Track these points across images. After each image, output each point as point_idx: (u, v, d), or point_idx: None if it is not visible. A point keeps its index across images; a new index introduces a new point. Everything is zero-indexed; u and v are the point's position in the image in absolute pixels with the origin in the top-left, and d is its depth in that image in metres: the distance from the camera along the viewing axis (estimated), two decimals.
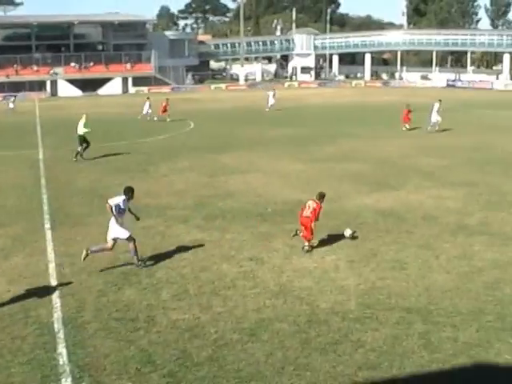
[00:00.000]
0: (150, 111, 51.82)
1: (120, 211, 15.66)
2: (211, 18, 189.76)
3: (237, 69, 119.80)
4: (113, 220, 15.69)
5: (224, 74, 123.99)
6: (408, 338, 12.00)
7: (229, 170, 28.83)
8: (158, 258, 16.53)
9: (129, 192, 15.94)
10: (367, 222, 19.86)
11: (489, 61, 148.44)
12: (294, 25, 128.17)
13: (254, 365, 11.00)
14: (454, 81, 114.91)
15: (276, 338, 11.96)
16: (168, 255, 16.74)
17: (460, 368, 11.06)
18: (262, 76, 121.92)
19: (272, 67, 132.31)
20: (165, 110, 52.31)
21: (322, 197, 17.45)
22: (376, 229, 19.27)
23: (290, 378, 10.61)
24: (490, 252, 17.06)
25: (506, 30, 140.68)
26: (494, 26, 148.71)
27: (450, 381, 10.82)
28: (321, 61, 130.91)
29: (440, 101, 44.04)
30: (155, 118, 51.50)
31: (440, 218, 20.34)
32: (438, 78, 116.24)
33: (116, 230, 15.67)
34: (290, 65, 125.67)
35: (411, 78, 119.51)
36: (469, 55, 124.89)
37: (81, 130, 33.11)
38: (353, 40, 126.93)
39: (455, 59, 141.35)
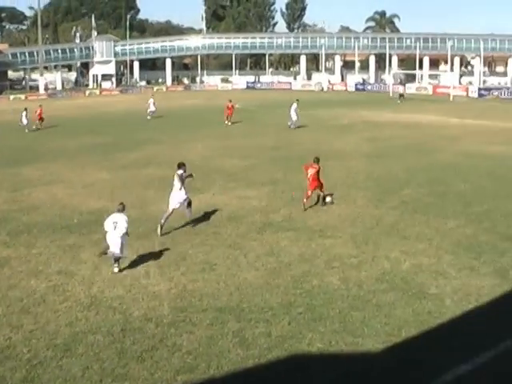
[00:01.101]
0: (26, 121, 50.09)
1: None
2: (8, 26, 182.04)
3: (36, 78, 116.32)
4: (176, 190, 19.63)
5: (23, 83, 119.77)
6: (223, 337, 12.19)
7: (32, 183, 27.88)
8: None
9: (183, 165, 19.89)
10: (175, 225, 19.93)
11: (286, 63, 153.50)
12: (93, 32, 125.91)
13: (70, 381, 10.74)
14: (253, 83, 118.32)
15: (91, 351, 11.75)
16: None
17: (275, 361, 11.39)
18: (63, 85, 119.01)
19: (72, 75, 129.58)
20: (41, 118, 51.78)
21: (318, 160, 22.33)
22: (184, 232, 19.43)
23: None
24: (296, 247, 17.69)
25: (301, 32, 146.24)
26: (291, 29, 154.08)
27: (266, 375, 11.09)
28: (122, 67, 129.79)
29: (297, 100, 47.68)
30: (34, 127, 50.47)
31: (246, 217, 20.83)
32: (239, 80, 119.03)
33: (179, 197, 19.60)
34: (91, 72, 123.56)
35: (212, 81, 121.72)
36: (267, 58, 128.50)
37: None
38: (153, 45, 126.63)
39: (254, 62, 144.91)
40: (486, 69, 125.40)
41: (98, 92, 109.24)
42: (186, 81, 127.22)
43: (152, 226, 19.73)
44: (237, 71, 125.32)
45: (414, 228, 19.62)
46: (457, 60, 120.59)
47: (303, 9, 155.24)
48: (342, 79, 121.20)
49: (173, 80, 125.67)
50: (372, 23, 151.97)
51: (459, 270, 15.78)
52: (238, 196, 24.14)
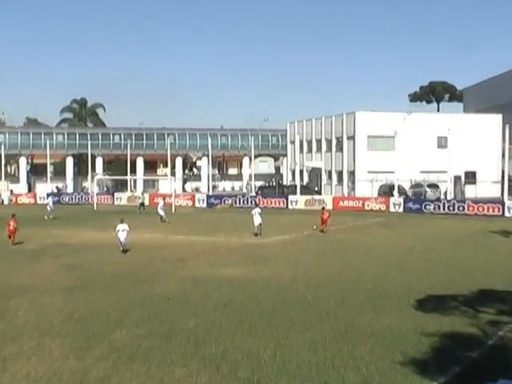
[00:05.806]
0: None
1: None
2: None
3: None
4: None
5: None
6: None
7: None
8: None
9: None
10: None
11: None
12: None
13: None
14: None
15: None
16: None
17: None
18: None
19: None
20: None
21: (323, 208, 61.04)
22: None
23: None
24: None
25: None
26: None
27: None
28: None
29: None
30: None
31: None
32: None
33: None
34: None
35: None
36: None
37: None
38: None
39: None
40: (217, 171, 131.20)
41: None
42: None
43: None
44: None
45: (132, 382, 19.49)
46: (179, 161, 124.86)
47: None
48: (30, 189, 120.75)
49: None
50: (69, 114, 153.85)
51: None
52: None
